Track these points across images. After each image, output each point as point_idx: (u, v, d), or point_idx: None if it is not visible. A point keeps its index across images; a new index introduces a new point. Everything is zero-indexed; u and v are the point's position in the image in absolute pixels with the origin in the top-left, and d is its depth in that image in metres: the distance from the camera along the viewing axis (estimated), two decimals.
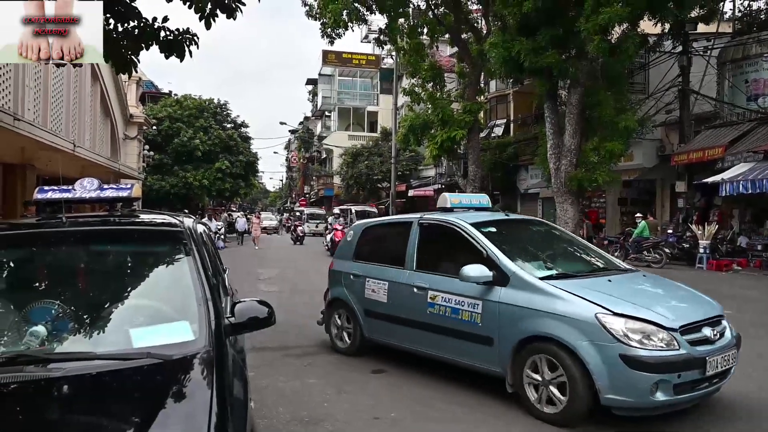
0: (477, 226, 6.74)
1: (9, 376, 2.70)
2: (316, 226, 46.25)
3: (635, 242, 21.55)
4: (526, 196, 33.80)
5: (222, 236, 31.73)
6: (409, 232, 7.40)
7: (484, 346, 6.06)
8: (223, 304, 3.58)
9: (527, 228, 7.99)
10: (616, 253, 21.98)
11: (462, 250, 6.67)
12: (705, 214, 22.21)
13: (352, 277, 8.04)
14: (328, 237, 27.95)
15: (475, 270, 6.05)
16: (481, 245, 6.42)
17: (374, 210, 40.30)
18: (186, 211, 28.14)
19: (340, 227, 27.02)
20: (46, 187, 4.09)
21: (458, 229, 6.80)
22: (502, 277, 6.03)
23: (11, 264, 3.73)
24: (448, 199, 7.92)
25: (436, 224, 7.31)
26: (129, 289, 3.64)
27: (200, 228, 4.38)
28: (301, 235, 36.55)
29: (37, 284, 3.64)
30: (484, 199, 8.19)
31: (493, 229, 6.88)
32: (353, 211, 40.08)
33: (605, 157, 20.85)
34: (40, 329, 3.05)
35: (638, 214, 22.48)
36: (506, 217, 8.09)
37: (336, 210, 33.87)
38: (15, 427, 2.44)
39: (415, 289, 6.92)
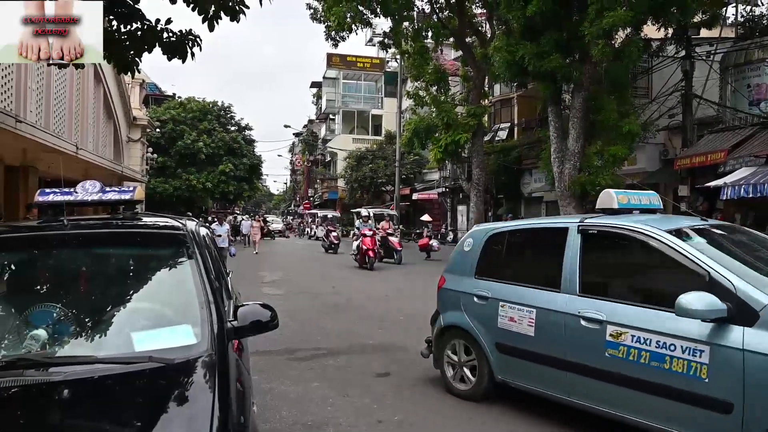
0: (678, 234, 4.96)
1: (9, 380, 2.68)
2: None
3: None
4: (529, 200, 33.81)
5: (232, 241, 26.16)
6: (564, 242, 5.56)
7: (713, 413, 4.28)
8: (226, 307, 3.56)
9: (738, 237, 5.84)
10: None
11: (660, 269, 5.11)
12: (708, 217, 22.17)
13: (476, 299, 6.24)
14: (354, 245, 23.35)
15: (700, 300, 4.22)
16: (699, 263, 4.59)
17: (395, 213, 36.16)
18: (189, 213, 28.09)
19: (370, 233, 22.47)
20: (47, 190, 4.07)
21: (652, 240, 4.97)
22: (744, 312, 4.23)
23: (12, 267, 3.71)
24: (615, 197, 5.95)
25: (609, 232, 5.48)
26: (131, 292, 3.62)
27: (203, 231, 4.36)
28: (336, 242, 30.73)
29: (38, 287, 3.62)
30: (655, 198, 6.29)
31: (702, 240, 5.10)
32: (371, 213, 37.00)
33: (609, 161, 20.85)
34: (41, 333, 3.03)
35: None
36: (705, 223, 5.77)
37: (363, 212, 27.92)
38: None
39: (582, 322, 5.11)
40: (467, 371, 6.39)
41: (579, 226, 5.55)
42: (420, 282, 16.87)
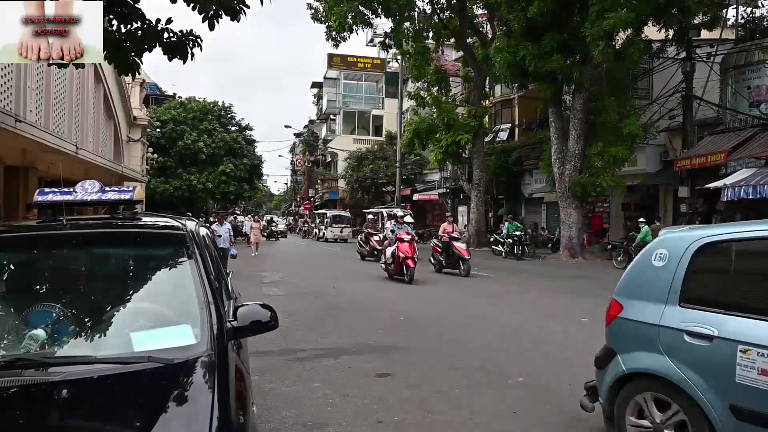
0: None
1: (8, 380, 2.67)
2: (341, 231, 44.01)
3: (638, 247, 21.49)
4: (530, 201, 33.83)
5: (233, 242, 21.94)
6: None
7: None
8: (226, 307, 3.56)
9: None
10: (619, 258, 21.99)
11: None
12: (707, 219, 22.19)
13: (687, 338, 4.22)
14: (389, 251, 18.57)
15: None
16: None
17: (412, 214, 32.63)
18: (189, 214, 28.03)
19: (407, 237, 17.99)
20: (47, 189, 4.06)
21: None
22: None
23: (11, 266, 3.69)
24: None
25: None
26: (130, 292, 3.61)
27: (203, 231, 4.35)
28: (378, 248, 24.55)
29: (37, 287, 3.60)
30: None
31: None
32: (384, 214, 35.24)
33: (609, 162, 20.92)
34: (40, 333, 3.02)
35: (642, 219, 22.46)
36: None
37: (398, 212, 21.84)
38: None
39: None
40: None
41: None
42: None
